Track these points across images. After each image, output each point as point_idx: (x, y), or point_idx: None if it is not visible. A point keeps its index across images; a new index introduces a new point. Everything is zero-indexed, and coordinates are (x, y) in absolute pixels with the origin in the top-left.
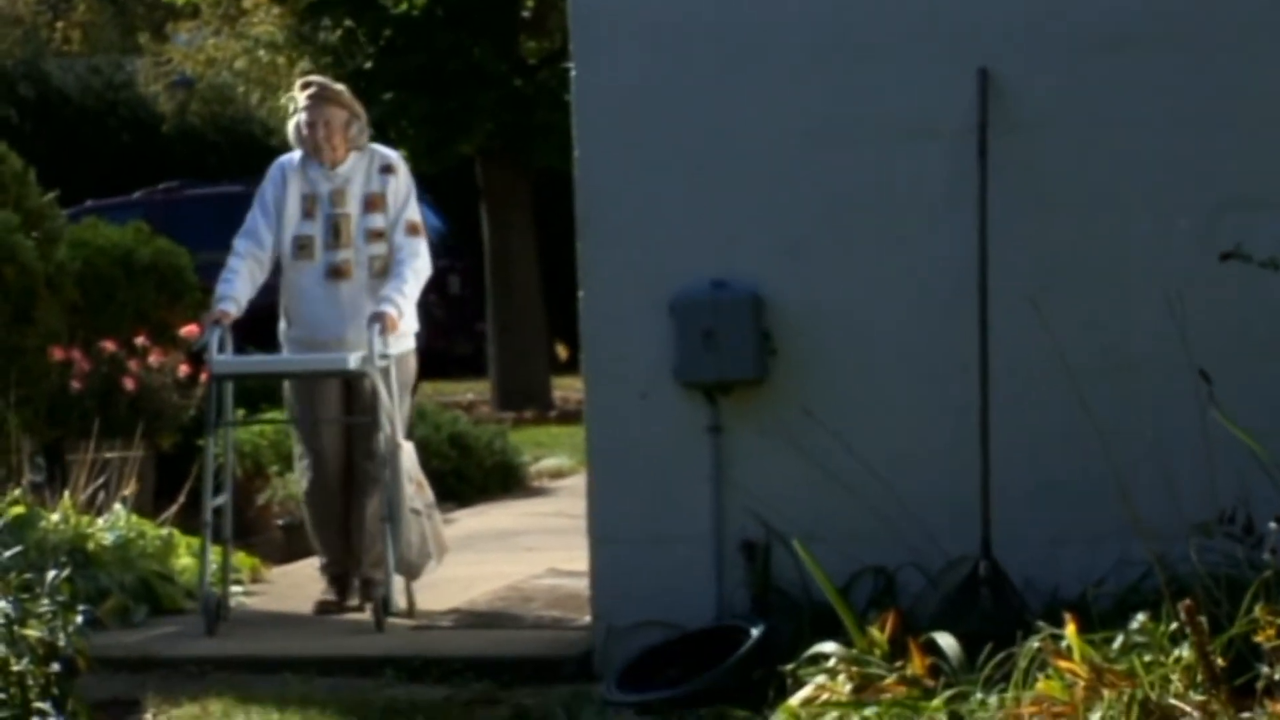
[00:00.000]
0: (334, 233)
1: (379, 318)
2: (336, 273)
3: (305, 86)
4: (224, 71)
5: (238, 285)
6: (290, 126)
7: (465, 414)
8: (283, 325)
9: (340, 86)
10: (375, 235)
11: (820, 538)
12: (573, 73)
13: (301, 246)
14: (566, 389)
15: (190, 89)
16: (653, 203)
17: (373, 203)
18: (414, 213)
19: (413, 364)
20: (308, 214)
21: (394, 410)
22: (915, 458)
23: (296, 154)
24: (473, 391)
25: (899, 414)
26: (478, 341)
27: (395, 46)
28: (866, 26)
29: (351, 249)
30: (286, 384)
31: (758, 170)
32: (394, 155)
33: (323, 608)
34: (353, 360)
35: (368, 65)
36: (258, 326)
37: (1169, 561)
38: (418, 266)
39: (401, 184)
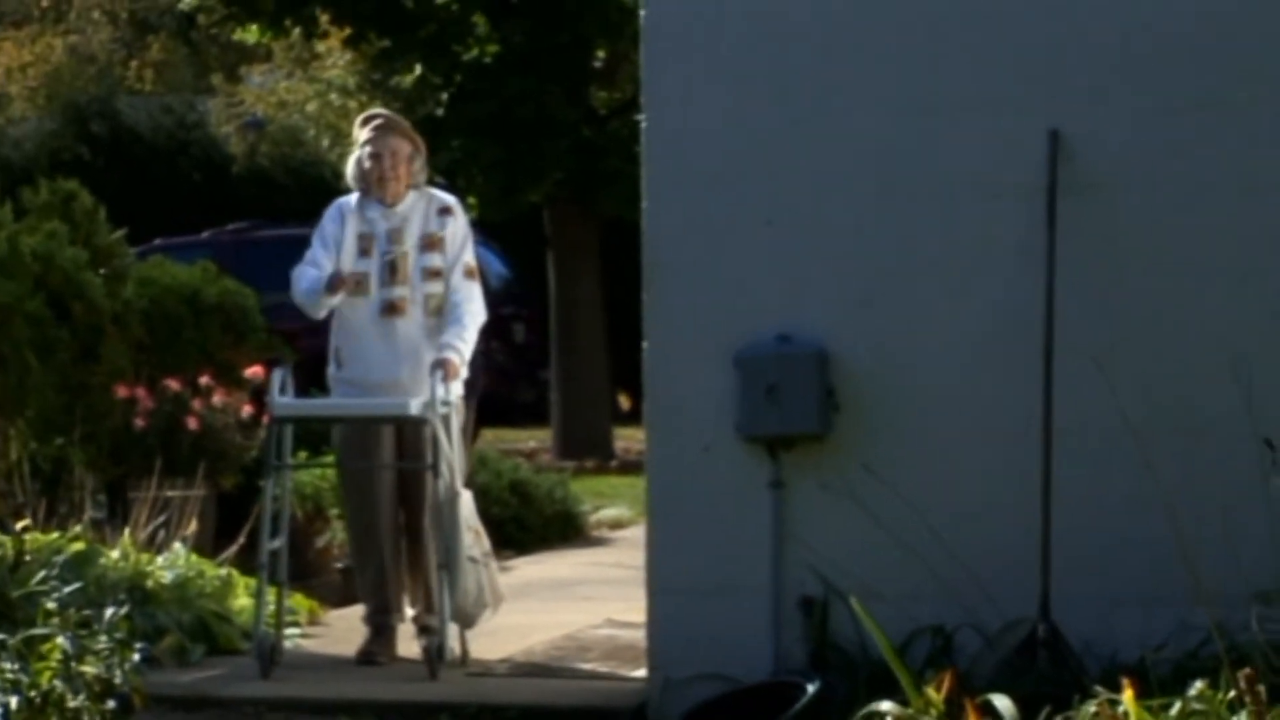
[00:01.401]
0: (390, 270)
1: (442, 364)
2: (391, 309)
3: (369, 119)
4: (295, 114)
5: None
6: (351, 162)
7: (526, 461)
8: (332, 369)
9: (402, 119)
10: (432, 274)
11: (879, 595)
12: (643, 122)
13: (357, 283)
14: (628, 439)
15: (261, 130)
16: (719, 254)
17: (431, 243)
18: (471, 257)
19: (463, 410)
20: (364, 252)
21: (453, 457)
22: (976, 517)
23: (354, 196)
24: (535, 439)
25: (961, 472)
26: (541, 389)
27: (466, 93)
28: (939, 83)
29: (408, 286)
30: (336, 428)
31: (825, 223)
32: (451, 199)
33: (365, 657)
34: (414, 406)
35: (439, 111)
36: (321, 369)
37: (1229, 628)
38: (474, 310)
39: (460, 227)
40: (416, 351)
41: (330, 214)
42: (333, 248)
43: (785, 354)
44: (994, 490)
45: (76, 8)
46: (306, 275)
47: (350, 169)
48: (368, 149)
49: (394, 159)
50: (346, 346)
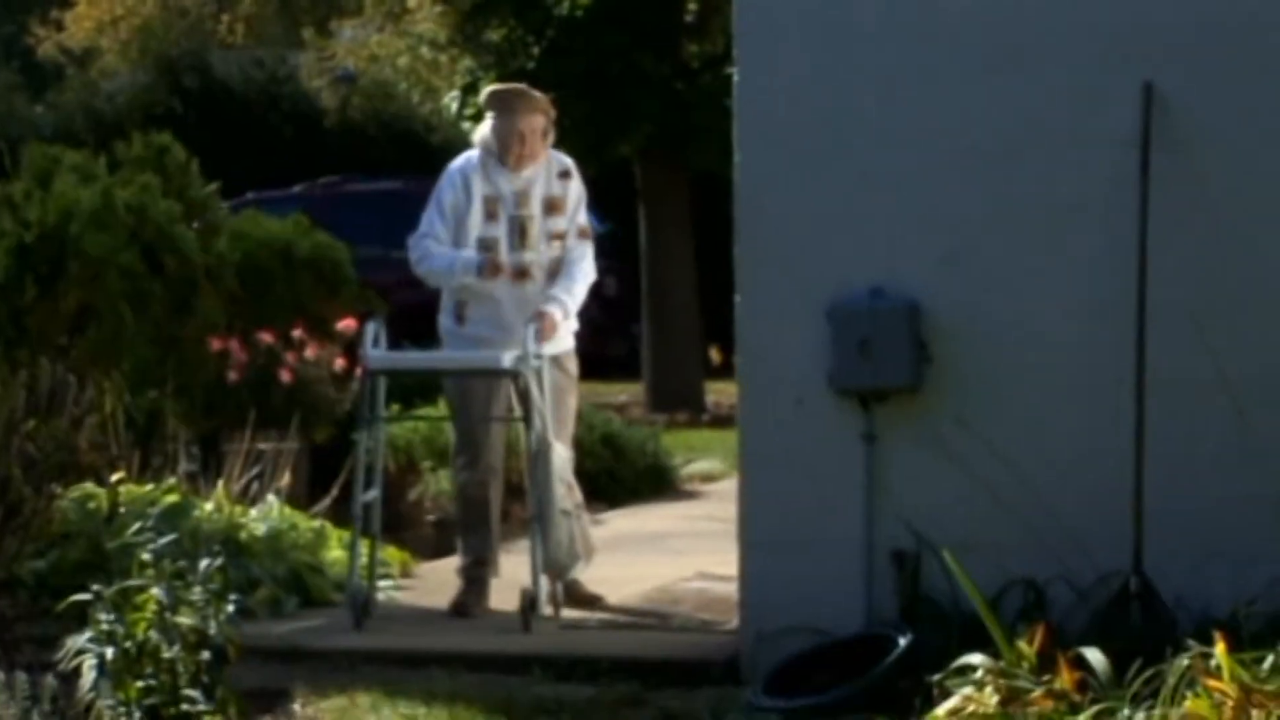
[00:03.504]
0: (520, 234)
1: (540, 316)
2: (521, 274)
3: (506, 95)
4: (386, 68)
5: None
6: (486, 130)
7: (618, 415)
8: (449, 323)
9: (538, 94)
10: (555, 238)
11: (971, 548)
12: (735, 76)
13: (487, 249)
14: (720, 393)
15: (352, 84)
16: (812, 208)
17: (553, 205)
18: (584, 218)
19: (574, 363)
20: (491, 215)
21: (546, 410)
22: (1068, 470)
23: (475, 154)
24: (626, 393)
25: (1053, 425)
26: (632, 343)
27: (558, 47)
28: (1032, 37)
29: (535, 251)
30: (447, 380)
31: (918, 178)
32: (569, 161)
33: (458, 609)
34: (506, 359)
35: (530, 66)
36: (414, 323)
37: None
38: (586, 269)
39: (577, 188)
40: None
41: (450, 180)
42: (450, 219)
43: (878, 307)
44: (1087, 444)
45: None
46: (435, 253)
47: (483, 134)
48: (508, 125)
49: (532, 137)
50: (473, 304)
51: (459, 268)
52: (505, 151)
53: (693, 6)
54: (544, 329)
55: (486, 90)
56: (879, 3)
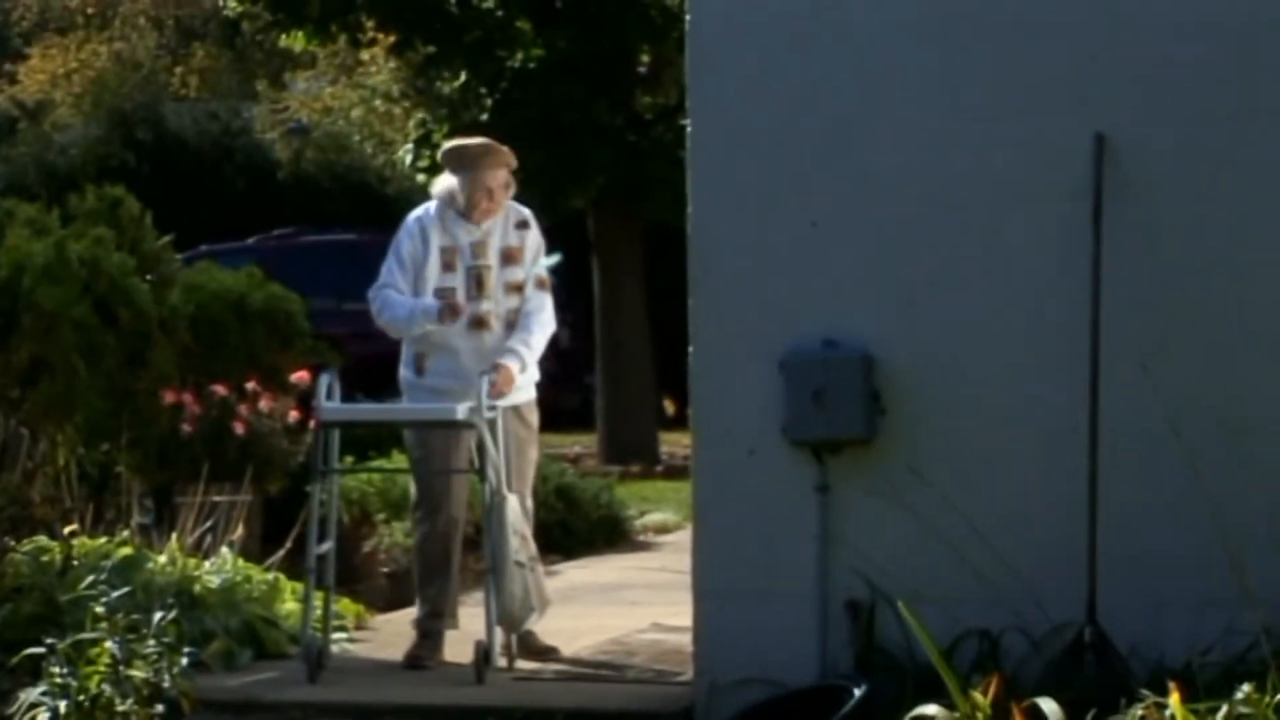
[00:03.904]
0: (477, 284)
1: (496, 369)
2: (479, 323)
3: (472, 149)
4: (340, 120)
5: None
6: (447, 182)
7: (572, 466)
8: (408, 374)
9: (502, 146)
10: (513, 288)
11: (925, 599)
12: (688, 127)
13: (443, 299)
14: (673, 444)
15: (306, 136)
16: (764, 259)
17: (510, 256)
18: (543, 268)
19: (535, 414)
20: (448, 266)
21: (500, 462)
22: (1022, 520)
23: (432, 206)
24: (580, 444)
25: (1007, 476)
26: (585, 394)
27: (511, 99)
28: (982, 89)
29: (492, 301)
30: (408, 431)
31: (871, 229)
32: (527, 211)
33: (412, 661)
34: (460, 410)
35: (484, 117)
36: (368, 375)
37: (1277, 632)
38: (544, 320)
39: (535, 238)
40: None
41: (409, 231)
42: (409, 270)
43: (831, 358)
44: (1040, 493)
45: (121, 15)
46: (395, 301)
47: (443, 186)
48: (473, 180)
49: (498, 191)
50: (431, 355)
51: (419, 314)
52: (472, 207)
53: (645, 58)
54: (500, 381)
55: (450, 145)
56: (832, 55)
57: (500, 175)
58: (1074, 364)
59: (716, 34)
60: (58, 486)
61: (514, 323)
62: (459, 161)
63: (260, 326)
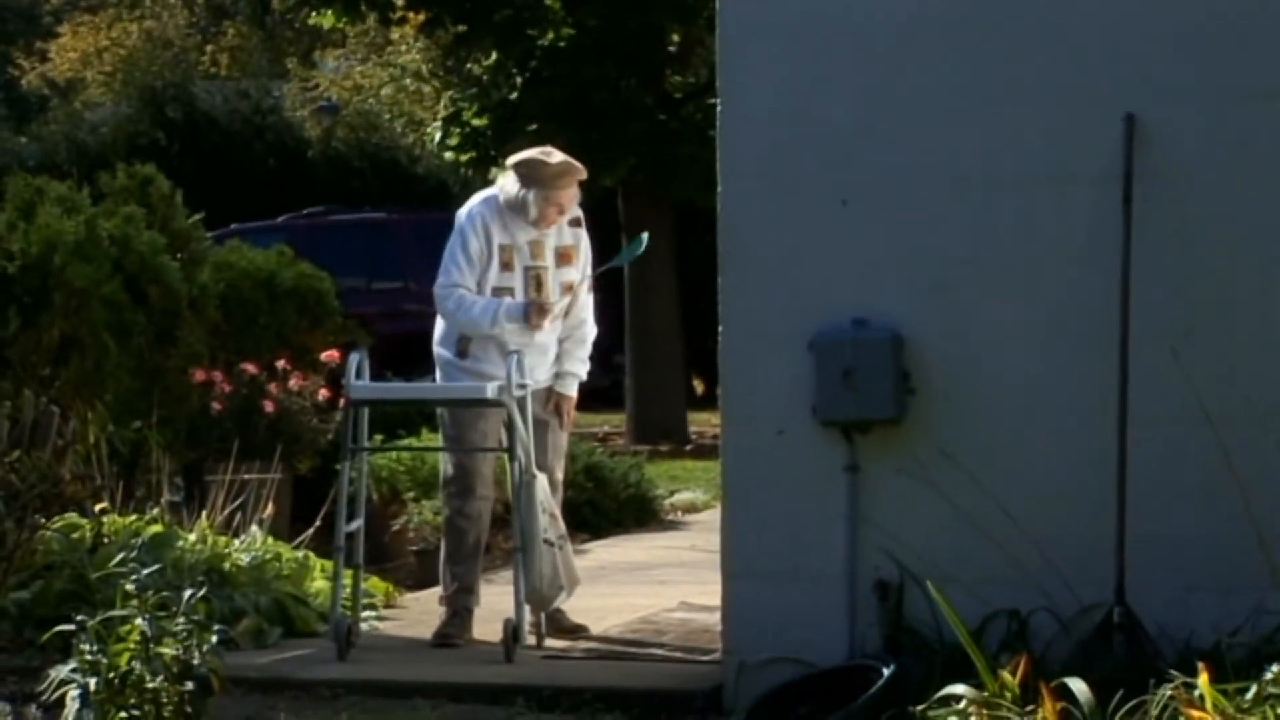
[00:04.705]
0: (536, 286)
1: (561, 402)
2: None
3: (552, 168)
4: (370, 99)
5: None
6: (514, 186)
7: (601, 446)
8: (449, 354)
9: (577, 163)
10: (566, 288)
11: (954, 579)
12: (718, 106)
13: (530, 299)
14: (703, 424)
15: (336, 115)
16: (795, 239)
17: (564, 256)
18: (591, 267)
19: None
20: (505, 265)
21: (529, 441)
22: (1051, 501)
23: (492, 199)
24: (609, 424)
25: (1036, 457)
26: (615, 374)
27: (542, 78)
28: (1014, 72)
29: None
30: (443, 410)
31: (902, 210)
32: (578, 210)
33: (441, 639)
34: (490, 389)
35: (513, 96)
36: (396, 353)
37: None
38: (591, 328)
39: (586, 238)
40: (546, 354)
41: (473, 227)
42: (477, 267)
43: (861, 338)
44: (1070, 475)
45: None
46: (471, 301)
47: (512, 190)
48: (545, 196)
49: (567, 206)
50: (477, 340)
51: (502, 315)
52: (541, 220)
53: (675, 37)
54: (566, 413)
55: (525, 157)
56: (861, 35)
57: (573, 192)
58: (1104, 346)
59: (746, 12)
60: (88, 464)
61: (559, 318)
62: (533, 177)
63: (290, 305)
